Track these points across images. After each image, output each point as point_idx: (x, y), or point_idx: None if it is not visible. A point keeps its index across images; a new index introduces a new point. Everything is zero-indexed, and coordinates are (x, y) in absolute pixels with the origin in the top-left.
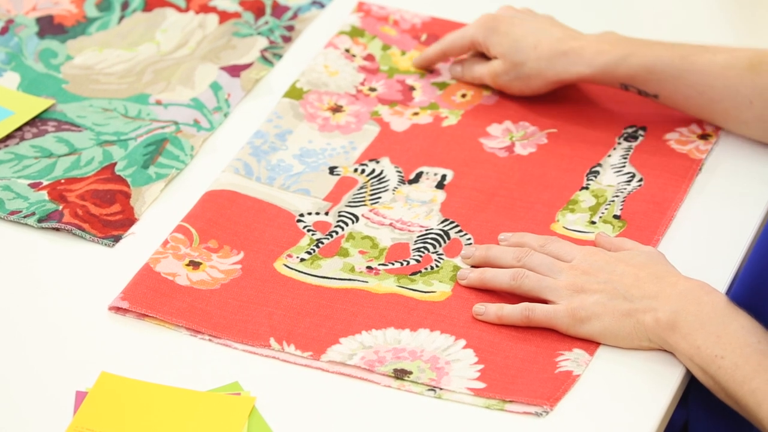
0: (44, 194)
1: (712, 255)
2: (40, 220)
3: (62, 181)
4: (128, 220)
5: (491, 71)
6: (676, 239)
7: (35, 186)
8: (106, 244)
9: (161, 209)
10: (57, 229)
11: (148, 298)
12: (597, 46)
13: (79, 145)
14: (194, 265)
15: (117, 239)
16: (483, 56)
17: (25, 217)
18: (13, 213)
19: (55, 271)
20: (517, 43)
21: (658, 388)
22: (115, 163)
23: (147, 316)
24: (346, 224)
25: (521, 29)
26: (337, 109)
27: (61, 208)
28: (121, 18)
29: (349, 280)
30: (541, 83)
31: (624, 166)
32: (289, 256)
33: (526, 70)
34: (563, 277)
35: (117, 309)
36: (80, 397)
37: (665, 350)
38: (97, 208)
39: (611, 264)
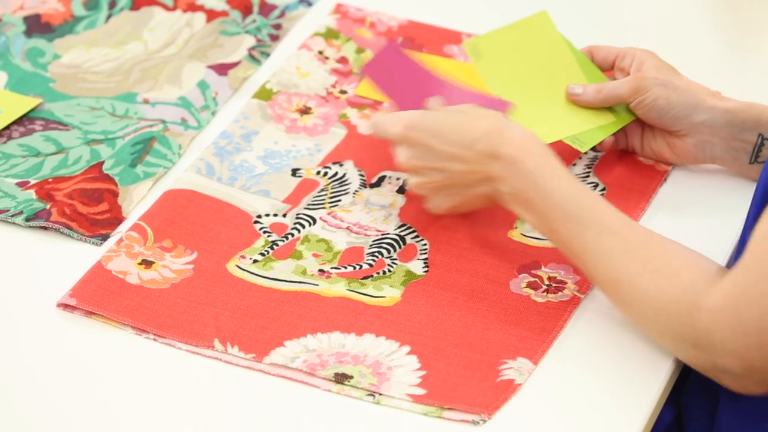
0: (32, 193)
1: None
2: (27, 219)
3: (50, 180)
4: (116, 218)
5: None
6: None
7: (23, 185)
8: (94, 243)
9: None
10: (45, 228)
11: (97, 295)
12: None
13: (66, 143)
14: (146, 264)
15: (105, 238)
16: None
17: (12, 216)
18: (0, 212)
19: (43, 269)
20: None
21: (646, 386)
22: (102, 162)
23: (94, 313)
24: (303, 227)
25: None
26: (305, 111)
27: (48, 207)
28: (109, 17)
29: (300, 282)
30: None
31: (588, 176)
32: (243, 257)
33: None
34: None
35: (65, 306)
36: None
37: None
38: (85, 207)
39: (440, 160)
